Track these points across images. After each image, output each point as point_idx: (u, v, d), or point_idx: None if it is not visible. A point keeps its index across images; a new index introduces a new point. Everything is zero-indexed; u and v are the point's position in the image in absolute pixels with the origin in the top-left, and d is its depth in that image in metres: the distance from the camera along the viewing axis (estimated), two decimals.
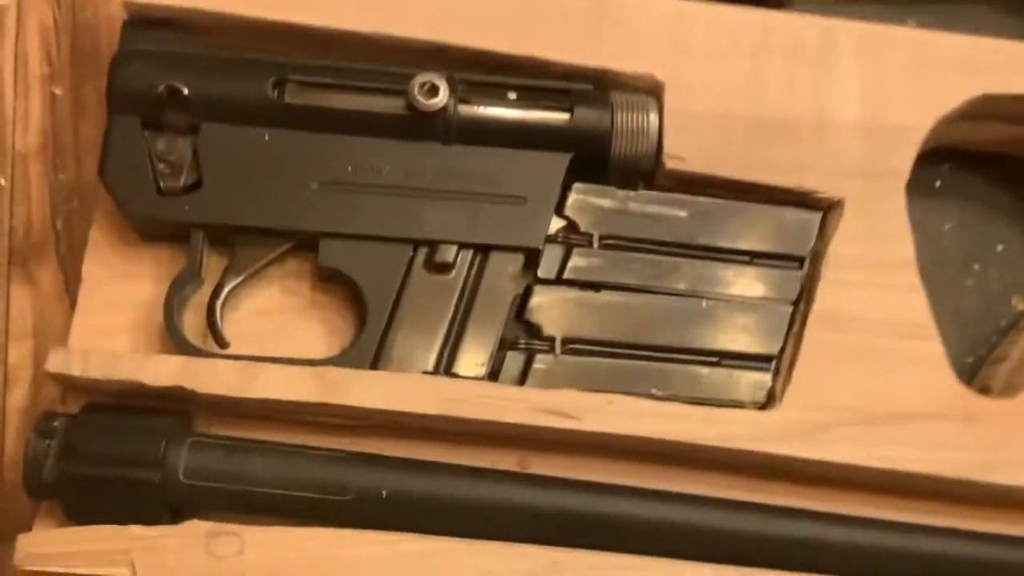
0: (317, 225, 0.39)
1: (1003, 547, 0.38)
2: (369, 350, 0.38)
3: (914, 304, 0.40)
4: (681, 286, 0.41)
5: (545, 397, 0.38)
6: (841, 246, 0.41)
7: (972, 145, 0.47)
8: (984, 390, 0.42)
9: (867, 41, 0.43)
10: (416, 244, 0.39)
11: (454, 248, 0.39)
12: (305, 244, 0.39)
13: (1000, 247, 0.47)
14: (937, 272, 0.46)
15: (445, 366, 0.39)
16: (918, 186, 0.47)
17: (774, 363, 0.40)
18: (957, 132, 0.45)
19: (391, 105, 0.40)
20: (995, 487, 0.38)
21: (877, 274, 0.40)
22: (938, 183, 0.48)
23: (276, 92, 0.39)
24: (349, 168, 0.39)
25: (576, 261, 0.40)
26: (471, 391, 0.37)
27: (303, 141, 0.39)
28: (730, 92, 0.42)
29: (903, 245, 0.41)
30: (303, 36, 0.41)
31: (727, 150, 0.41)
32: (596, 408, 0.38)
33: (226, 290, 0.38)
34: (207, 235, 0.39)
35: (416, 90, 0.39)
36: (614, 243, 0.41)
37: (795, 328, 0.40)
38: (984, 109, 0.44)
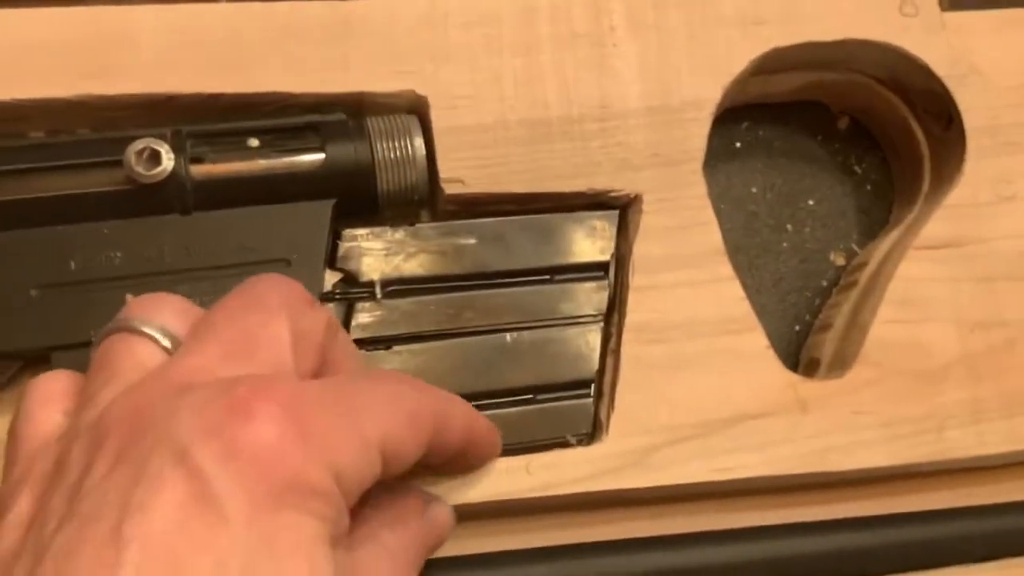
0: (43, 339, 0.33)
1: (849, 532, 0.36)
2: None
3: (729, 295, 0.37)
4: (481, 322, 0.37)
5: None
6: (645, 246, 0.37)
7: (766, 99, 0.44)
8: (812, 363, 0.40)
9: (639, 13, 0.39)
10: None
11: None
12: (38, 360, 0.34)
13: (811, 201, 0.45)
14: (750, 240, 0.44)
15: None
16: (717, 151, 0.44)
17: (593, 387, 0.37)
18: (749, 89, 0.42)
19: (111, 179, 0.34)
20: (833, 475, 0.36)
21: (687, 271, 0.37)
22: (738, 144, 0.45)
23: None
24: (72, 264, 0.34)
25: (360, 318, 0.36)
26: None
27: (12, 243, 0.33)
28: (502, 96, 0.38)
29: (709, 233, 0.38)
30: None
31: (509, 162, 0.37)
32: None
33: None
34: None
35: (133, 160, 0.33)
36: (400, 288, 0.36)
37: (611, 344, 0.37)
38: (773, 63, 0.41)
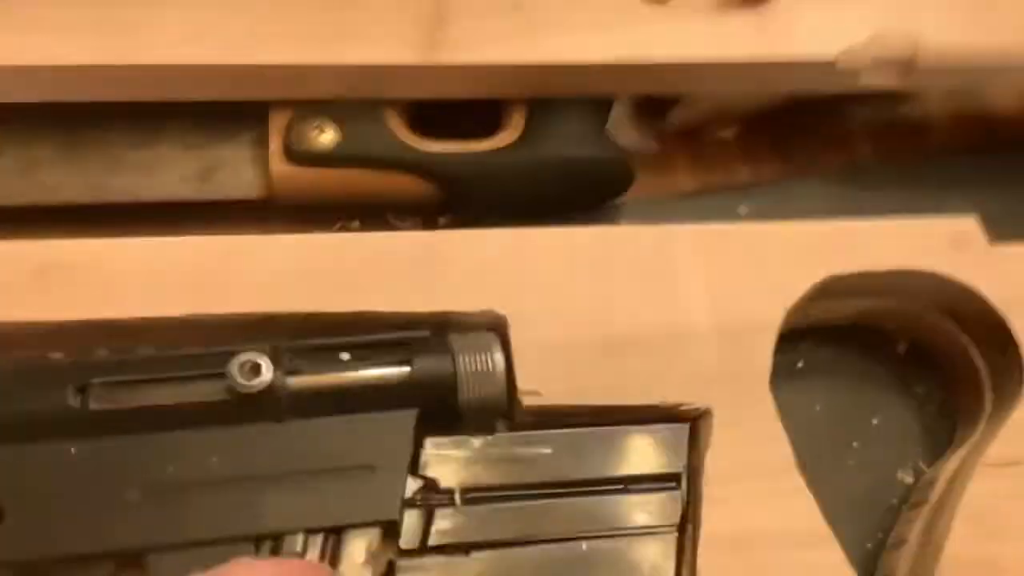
0: (140, 540, 0.34)
1: None
2: None
3: (802, 509, 0.38)
4: (556, 530, 0.37)
5: None
6: (717, 459, 0.38)
7: (828, 322, 0.46)
8: None
9: (705, 242, 0.42)
10: (257, 540, 0.35)
11: (300, 536, 0.35)
12: (133, 563, 0.35)
13: (875, 420, 0.46)
14: (816, 458, 0.44)
15: None
16: (780, 370, 0.45)
17: None
18: (810, 312, 0.45)
19: (211, 391, 0.36)
20: None
21: (758, 482, 0.38)
22: (800, 363, 0.46)
23: (79, 399, 0.36)
24: (171, 468, 0.35)
25: (440, 524, 0.37)
26: None
27: (115, 448, 0.35)
28: (576, 316, 0.40)
29: (779, 447, 0.39)
30: (108, 331, 0.37)
31: (582, 376, 0.39)
32: None
33: None
34: (16, 574, 0.34)
35: (236, 372, 0.36)
36: (478, 496, 0.38)
37: (686, 555, 0.37)
38: (832, 289, 0.43)
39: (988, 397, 0.43)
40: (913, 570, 0.39)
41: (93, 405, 0.35)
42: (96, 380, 0.36)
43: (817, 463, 0.44)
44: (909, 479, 0.44)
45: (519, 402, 0.38)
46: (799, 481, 0.38)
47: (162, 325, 0.38)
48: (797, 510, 0.38)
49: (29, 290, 0.37)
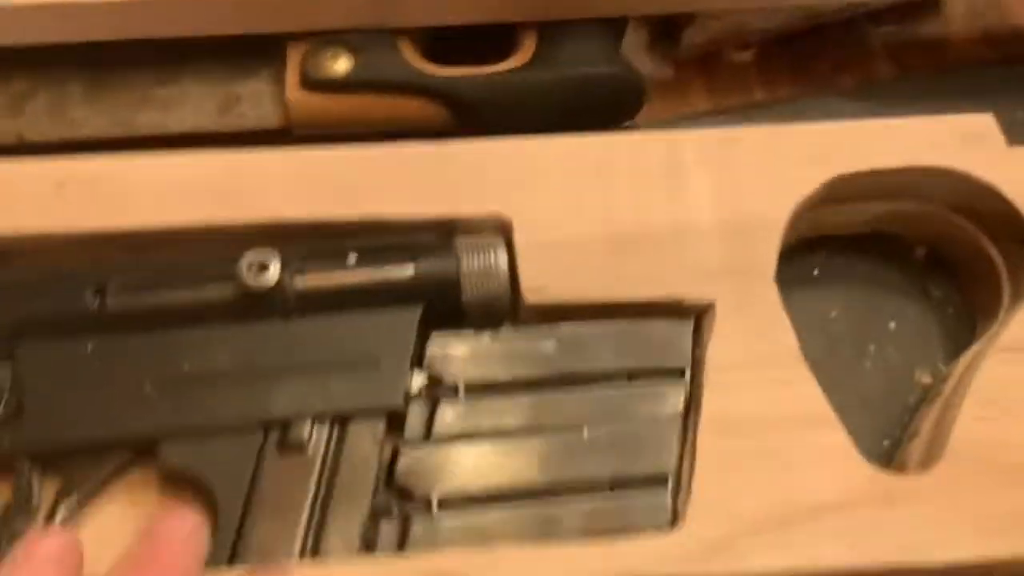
0: (153, 429, 0.36)
1: None
2: (225, 546, 0.34)
3: (807, 395, 0.38)
4: (559, 420, 0.38)
5: (427, 562, 0.34)
6: (720, 348, 0.39)
7: (843, 229, 0.46)
8: (900, 469, 0.39)
9: (712, 146, 0.42)
10: (266, 427, 0.36)
11: (307, 424, 0.37)
12: (146, 451, 0.36)
13: (892, 324, 0.45)
14: (831, 360, 0.44)
15: (312, 549, 0.35)
16: (796, 278, 0.46)
17: (671, 481, 0.37)
18: (824, 219, 0.44)
19: (221, 290, 0.38)
20: (933, 567, 0.35)
21: (763, 370, 0.38)
22: (816, 271, 0.46)
23: (97, 300, 0.37)
24: (185, 364, 0.37)
25: (444, 415, 0.38)
26: (342, 571, 0.34)
27: (131, 345, 0.37)
28: (581, 217, 0.41)
29: (785, 337, 0.39)
30: (123, 241, 0.39)
31: (586, 273, 0.40)
32: (484, 567, 0.34)
33: (60, 516, 0.35)
34: (36, 462, 0.36)
35: (245, 270, 0.37)
36: (482, 390, 0.38)
37: (688, 440, 0.38)
38: (842, 191, 0.43)
39: (1006, 291, 0.43)
40: (924, 455, 0.39)
41: (110, 305, 0.37)
42: (113, 282, 0.38)
43: (833, 367, 0.44)
44: (927, 379, 0.44)
45: (523, 299, 0.39)
46: (804, 370, 0.38)
47: (176, 234, 0.39)
48: (800, 395, 0.38)
49: (50, 203, 0.39)
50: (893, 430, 0.43)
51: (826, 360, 0.44)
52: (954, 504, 0.36)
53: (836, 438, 0.37)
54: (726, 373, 0.38)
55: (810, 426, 0.37)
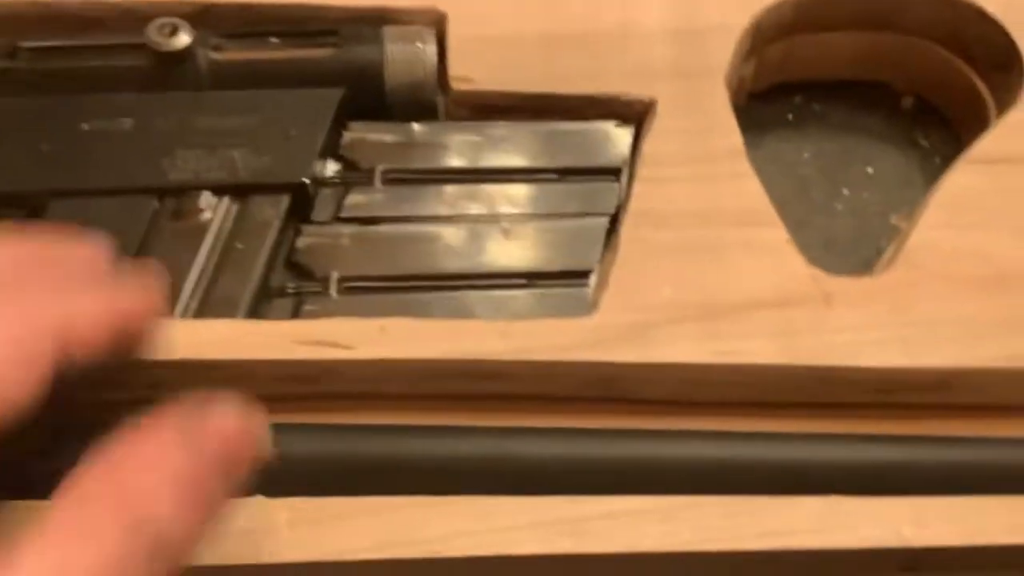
0: (44, 186, 0.34)
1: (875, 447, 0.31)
2: None
3: (747, 190, 0.34)
4: (477, 211, 0.35)
5: (308, 327, 0.32)
6: (657, 144, 0.35)
7: (821, 71, 0.43)
8: None
9: None
10: (162, 194, 0.34)
11: (204, 194, 0.34)
12: (37, 210, 0.34)
13: (870, 170, 0.42)
14: (800, 200, 0.41)
15: (195, 312, 0.33)
16: (767, 121, 0.43)
17: (592, 277, 0.34)
18: (798, 53, 0.41)
19: (133, 57, 0.36)
20: (862, 371, 0.31)
21: (701, 166, 0.35)
22: (790, 116, 0.43)
23: (6, 60, 0.36)
24: (85, 126, 0.35)
25: (354, 198, 0.35)
26: (219, 331, 0.31)
27: (35, 105, 0.35)
28: (522, 14, 0.38)
29: (729, 136, 0.35)
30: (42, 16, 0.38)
31: (520, 66, 0.37)
32: (371, 335, 0.31)
33: None
34: None
35: (155, 33, 0.36)
36: (399, 177, 0.36)
37: (614, 237, 0.34)
38: (814, 14, 0.40)
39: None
40: (883, 266, 0.35)
41: (19, 65, 0.36)
42: (25, 44, 0.36)
43: (799, 206, 0.41)
44: (904, 224, 0.40)
45: (449, 91, 0.37)
46: (746, 166, 0.35)
47: (101, 9, 0.38)
48: (741, 191, 0.34)
49: None
50: (861, 272, 0.39)
51: (793, 200, 0.41)
52: (899, 309, 0.32)
53: (774, 235, 0.33)
54: (660, 168, 0.35)
55: (746, 223, 0.34)
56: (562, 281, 0.34)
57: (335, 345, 0.31)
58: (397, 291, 0.34)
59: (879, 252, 0.39)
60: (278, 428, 0.25)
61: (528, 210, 0.35)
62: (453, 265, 0.34)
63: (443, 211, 0.35)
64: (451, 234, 0.35)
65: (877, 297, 0.32)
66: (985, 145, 0.36)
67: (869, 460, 0.31)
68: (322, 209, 0.35)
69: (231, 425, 0.24)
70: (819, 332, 0.32)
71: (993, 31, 0.38)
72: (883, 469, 0.30)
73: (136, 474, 0.22)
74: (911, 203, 0.40)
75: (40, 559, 0.20)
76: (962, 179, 0.35)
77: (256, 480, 0.25)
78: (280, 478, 0.28)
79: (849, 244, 0.40)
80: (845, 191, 0.41)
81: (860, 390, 0.32)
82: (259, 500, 0.29)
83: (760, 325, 0.32)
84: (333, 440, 0.30)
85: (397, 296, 0.33)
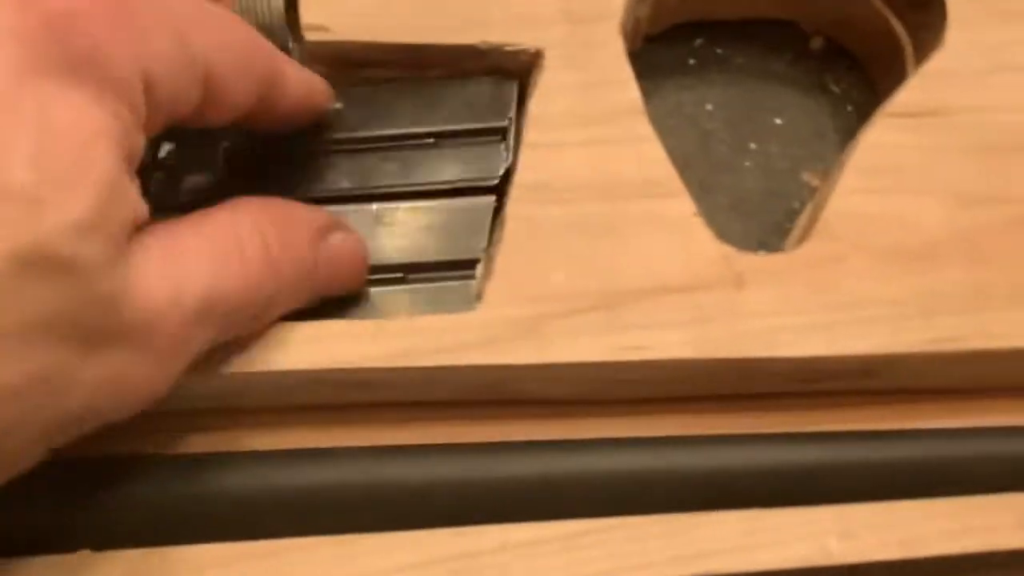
0: None
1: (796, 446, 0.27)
2: None
3: (649, 155, 0.30)
4: (343, 185, 0.30)
5: None
6: (545, 103, 0.31)
7: (724, 12, 0.39)
8: None
9: None
10: None
11: None
12: None
13: (778, 120, 0.38)
14: (703, 158, 0.37)
15: None
16: (666, 67, 0.38)
17: (479, 267, 0.30)
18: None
19: None
20: (780, 362, 0.28)
21: (595, 128, 0.30)
22: (691, 61, 0.39)
23: None
24: None
25: (192, 181, 0.30)
26: None
27: None
28: None
29: (625, 90, 0.31)
30: None
31: (386, 13, 0.32)
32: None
33: None
34: None
35: None
36: (245, 155, 0.31)
37: (501, 214, 0.30)
38: None
39: (911, 68, 0.35)
40: (797, 240, 0.31)
41: None
42: None
43: (703, 164, 0.37)
44: (816, 181, 0.37)
45: (303, 42, 0.31)
46: (647, 128, 0.31)
47: None
48: (642, 157, 0.30)
49: None
50: (771, 237, 0.36)
51: (697, 158, 0.37)
52: (817, 289, 0.29)
53: (679, 208, 0.29)
54: (549, 132, 0.30)
55: (648, 194, 0.30)
56: (443, 274, 0.29)
57: None
58: None
59: (791, 214, 0.36)
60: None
61: (402, 182, 0.31)
62: None
63: (300, 193, 0.30)
64: None
65: (793, 276, 0.29)
66: (905, 96, 0.32)
67: (790, 463, 0.27)
68: (156, 196, 0.30)
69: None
70: (732, 319, 0.28)
71: None
72: (806, 473, 0.27)
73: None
74: (823, 158, 0.37)
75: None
76: (882, 136, 0.31)
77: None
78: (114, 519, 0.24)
79: (758, 205, 0.36)
80: (752, 145, 0.37)
81: (778, 381, 0.29)
82: (87, 555, 0.24)
83: (667, 313, 0.28)
84: (165, 476, 0.25)
85: None
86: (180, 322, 0.22)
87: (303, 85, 0.28)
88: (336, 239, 0.28)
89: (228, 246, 0.24)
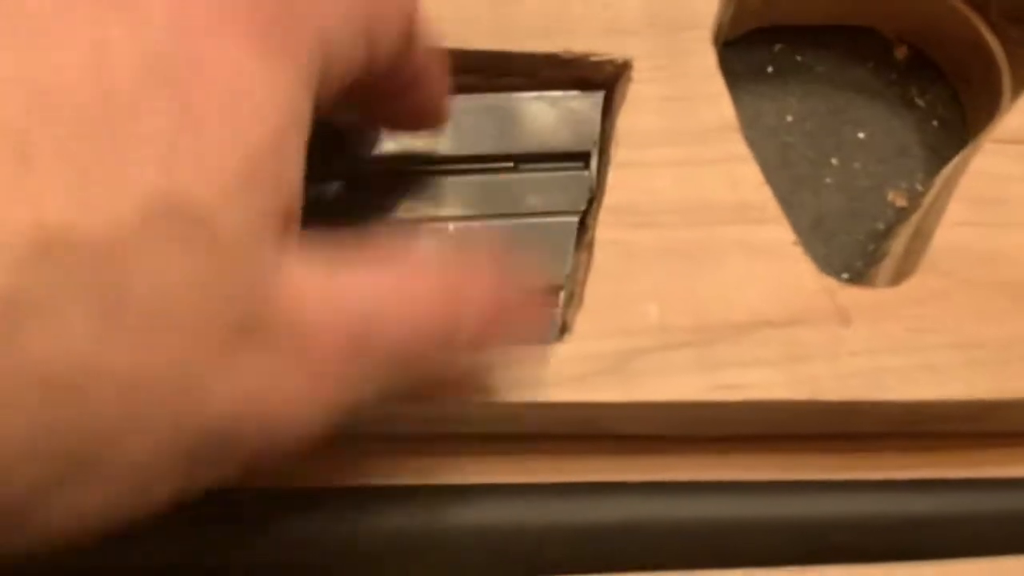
0: None
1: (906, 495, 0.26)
2: None
3: (745, 177, 0.28)
4: (421, 213, 0.29)
5: None
6: (634, 118, 0.29)
7: (806, 18, 0.37)
8: None
9: None
10: None
11: None
12: None
13: (861, 134, 0.36)
14: (782, 174, 0.35)
15: None
16: (743, 74, 0.37)
17: (562, 295, 0.28)
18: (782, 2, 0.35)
19: None
20: (885, 405, 0.26)
21: (688, 147, 0.29)
22: (770, 68, 0.37)
23: None
24: None
25: None
26: None
27: None
28: None
29: (719, 106, 0.29)
30: None
31: (463, 17, 0.30)
32: None
33: None
34: None
35: None
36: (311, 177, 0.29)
37: (586, 238, 0.28)
38: None
39: (1007, 90, 0.34)
40: (894, 274, 0.30)
41: None
42: None
43: (783, 179, 0.35)
44: (902, 202, 0.35)
45: None
46: (743, 148, 0.29)
47: None
48: (737, 179, 0.28)
49: None
50: (854, 261, 0.34)
51: (776, 173, 0.35)
52: (925, 328, 0.27)
53: (777, 234, 0.28)
54: (638, 150, 0.29)
55: (744, 219, 0.28)
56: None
57: None
58: None
59: (875, 236, 0.34)
60: None
61: (480, 209, 0.29)
62: None
63: (371, 217, 0.28)
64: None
65: (898, 313, 0.27)
66: (1014, 121, 0.30)
67: (891, 514, 0.26)
68: None
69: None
70: (834, 357, 0.26)
71: None
72: (909, 524, 0.26)
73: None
74: (908, 175, 0.36)
75: None
76: (989, 163, 0.29)
77: None
78: None
79: (841, 225, 0.34)
80: (834, 160, 0.36)
81: (881, 422, 0.27)
82: None
83: (766, 350, 0.26)
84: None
85: None
86: (337, 342, 0.19)
87: (430, 40, 0.25)
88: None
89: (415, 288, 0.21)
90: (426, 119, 0.27)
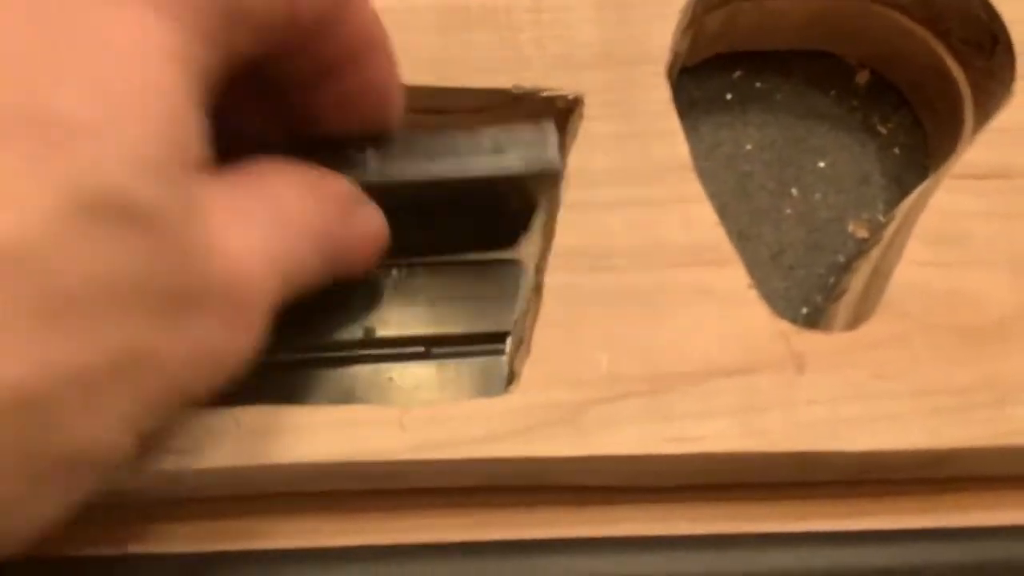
0: None
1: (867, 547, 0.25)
2: None
3: (699, 218, 0.28)
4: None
5: None
6: (585, 157, 0.28)
7: (765, 43, 0.36)
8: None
9: None
10: None
11: None
12: None
13: (822, 164, 0.35)
14: (744, 204, 0.34)
15: None
16: (702, 102, 0.36)
17: (510, 340, 0.27)
18: (739, 21, 0.34)
19: None
20: (842, 456, 0.25)
21: (640, 187, 0.28)
22: (729, 95, 0.36)
23: None
24: None
25: None
26: None
27: None
28: None
29: (672, 144, 0.29)
30: None
31: (412, 51, 0.28)
32: (225, 431, 0.24)
33: None
34: None
35: None
36: None
37: (536, 281, 0.28)
38: None
39: (969, 118, 0.33)
40: (852, 315, 0.29)
41: None
42: None
43: (742, 212, 0.34)
44: (863, 233, 0.34)
45: None
46: (696, 187, 0.28)
47: None
48: (691, 220, 0.28)
49: None
50: (814, 295, 0.33)
51: (735, 204, 0.34)
52: (884, 374, 0.26)
53: (732, 277, 0.27)
54: (588, 189, 0.28)
55: (698, 261, 0.27)
56: (469, 347, 0.27)
57: (179, 452, 0.23)
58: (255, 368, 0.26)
59: (835, 268, 0.33)
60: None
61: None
62: (331, 331, 0.26)
63: None
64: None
65: (856, 358, 0.26)
66: (973, 155, 0.30)
67: (845, 567, 0.25)
68: None
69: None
70: (790, 406, 0.26)
71: (974, 5, 0.32)
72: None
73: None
74: (869, 206, 0.35)
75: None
76: (948, 201, 0.29)
77: None
78: None
79: (800, 258, 0.34)
80: (794, 191, 0.35)
81: (838, 472, 0.26)
82: None
83: (719, 400, 0.25)
84: None
85: (255, 374, 0.26)
86: (263, 283, 0.20)
87: (369, 13, 0.24)
88: (364, 215, 0.25)
89: (287, 211, 0.22)
90: (370, 106, 0.25)
